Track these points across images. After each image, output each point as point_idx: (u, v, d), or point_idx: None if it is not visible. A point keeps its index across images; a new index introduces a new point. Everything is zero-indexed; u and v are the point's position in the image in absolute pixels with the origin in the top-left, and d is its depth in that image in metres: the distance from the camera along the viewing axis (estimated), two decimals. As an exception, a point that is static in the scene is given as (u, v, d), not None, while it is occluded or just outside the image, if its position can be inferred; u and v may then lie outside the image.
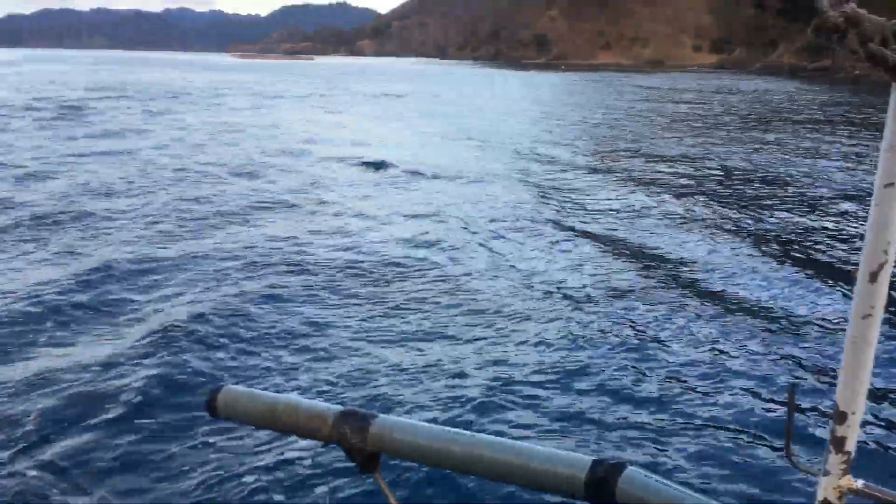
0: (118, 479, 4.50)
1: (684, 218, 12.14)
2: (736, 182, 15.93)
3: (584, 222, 11.83)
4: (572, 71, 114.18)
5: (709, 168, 17.80)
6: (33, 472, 4.50)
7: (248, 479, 4.44)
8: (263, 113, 31.11)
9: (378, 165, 16.57)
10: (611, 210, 12.71)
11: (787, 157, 19.41)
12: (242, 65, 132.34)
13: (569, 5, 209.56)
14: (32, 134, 21.30)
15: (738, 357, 6.50)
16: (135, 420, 5.13)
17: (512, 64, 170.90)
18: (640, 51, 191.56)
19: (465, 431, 1.14)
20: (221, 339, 6.54)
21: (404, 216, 12.04)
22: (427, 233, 10.68)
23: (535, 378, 5.90)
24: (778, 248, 10.40)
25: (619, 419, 5.34)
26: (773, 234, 11.23)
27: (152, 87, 47.61)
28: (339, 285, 8.20)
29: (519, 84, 67.81)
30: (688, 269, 9.27)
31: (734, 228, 11.47)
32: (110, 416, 5.19)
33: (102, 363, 6.04)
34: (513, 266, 9.16)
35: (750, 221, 12.01)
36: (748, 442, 5.06)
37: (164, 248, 9.53)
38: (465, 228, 11.08)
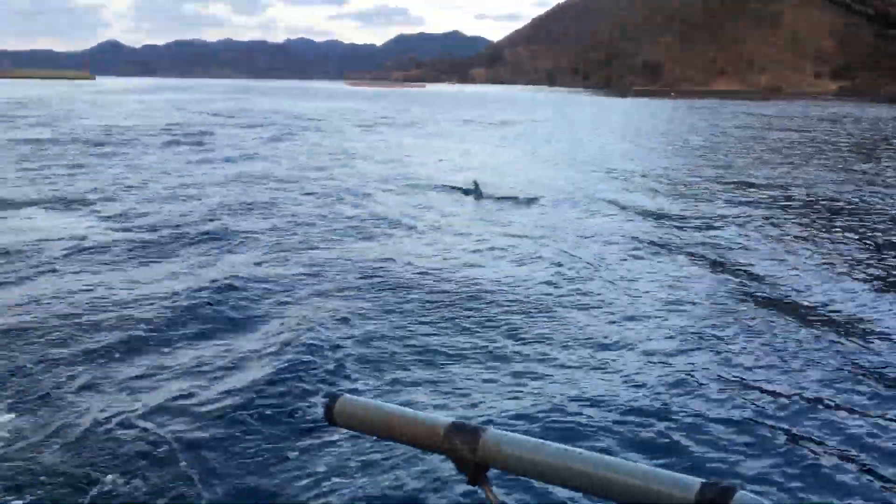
0: (240, 478, 4.86)
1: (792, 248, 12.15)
2: (829, 212, 15.88)
3: (689, 247, 11.99)
4: (682, 98, 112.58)
5: (805, 196, 17.76)
6: (157, 469, 4.90)
7: (360, 484, 4.70)
8: (370, 138, 32.64)
9: (476, 190, 16.87)
10: (710, 235, 12.94)
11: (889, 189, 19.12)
12: (354, 92, 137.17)
13: (681, 32, 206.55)
14: (166, 157, 23.41)
15: (840, 382, 6.54)
16: (258, 423, 5.50)
17: (622, 91, 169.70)
18: (756, 77, 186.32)
19: (574, 448, 1.15)
20: (338, 351, 6.90)
21: (508, 238, 12.40)
22: (534, 257, 11.06)
23: (637, 401, 5.99)
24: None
25: (725, 441, 5.41)
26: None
27: (267, 115, 50.54)
28: (448, 305, 8.51)
29: (622, 111, 67.67)
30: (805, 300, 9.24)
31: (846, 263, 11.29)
32: (236, 416, 5.60)
33: (228, 367, 6.55)
34: (616, 289, 9.43)
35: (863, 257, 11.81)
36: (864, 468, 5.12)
37: (285, 263, 10.24)
38: (568, 253, 11.40)
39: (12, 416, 5.60)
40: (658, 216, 14.90)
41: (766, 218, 14.70)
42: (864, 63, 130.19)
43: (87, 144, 26.86)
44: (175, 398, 5.88)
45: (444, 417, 1.28)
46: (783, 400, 6.11)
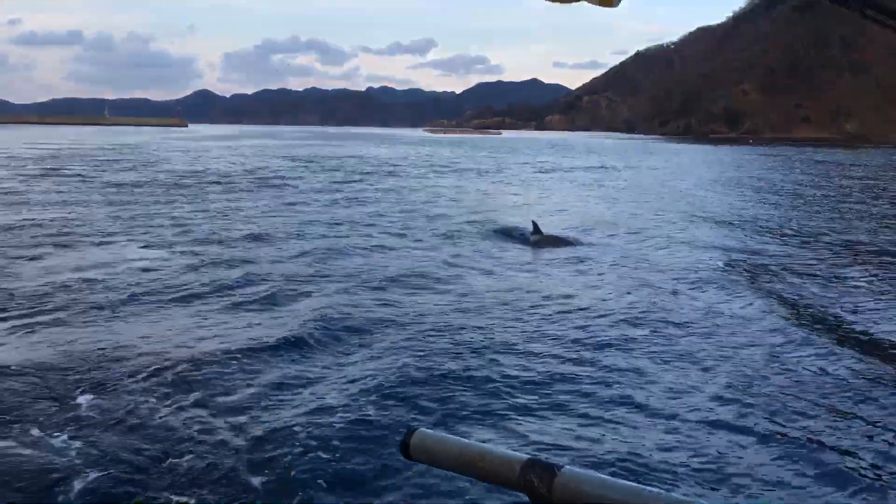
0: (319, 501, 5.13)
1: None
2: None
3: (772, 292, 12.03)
4: (761, 145, 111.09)
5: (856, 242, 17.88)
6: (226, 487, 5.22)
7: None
8: (432, 182, 33.90)
9: (536, 231, 17.18)
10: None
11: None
12: (432, 139, 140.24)
13: (763, 78, 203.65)
14: (247, 198, 25.10)
15: None
16: (336, 455, 5.63)
17: (700, 138, 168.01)
18: (841, 124, 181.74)
19: (652, 488, 1.15)
20: (416, 387, 7.09)
21: (567, 278, 12.68)
22: (601, 295, 11.25)
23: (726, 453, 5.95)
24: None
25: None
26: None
27: (343, 160, 52.70)
28: (524, 345, 8.67)
29: (696, 158, 67.38)
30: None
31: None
32: (319, 445, 5.81)
33: (309, 400, 6.78)
34: (687, 330, 9.55)
35: None
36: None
37: (360, 304, 10.51)
38: (634, 291, 11.64)
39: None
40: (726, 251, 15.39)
41: (819, 260, 15.01)
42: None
43: (171, 187, 28.97)
44: (257, 423, 6.20)
45: (521, 454, 1.28)
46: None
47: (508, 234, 17.87)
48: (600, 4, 1.42)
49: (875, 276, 13.55)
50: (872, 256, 15.82)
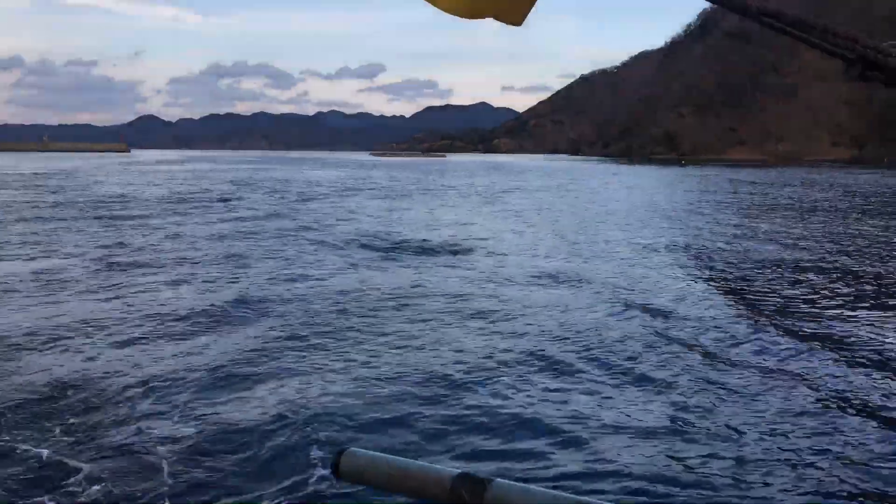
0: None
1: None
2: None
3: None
4: (694, 166, 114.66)
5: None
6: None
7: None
8: (354, 204, 34.46)
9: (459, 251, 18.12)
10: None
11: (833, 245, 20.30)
12: (376, 162, 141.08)
13: (700, 103, 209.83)
14: (193, 218, 25.42)
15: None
16: (262, 479, 5.50)
17: (639, 160, 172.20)
18: (773, 146, 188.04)
19: (585, 497, 1.15)
20: (344, 405, 6.96)
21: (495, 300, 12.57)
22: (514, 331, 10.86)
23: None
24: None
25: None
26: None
27: (277, 182, 53.08)
28: (453, 360, 8.68)
29: (629, 177, 69.32)
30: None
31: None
32: (240, 469, 5.67)
33: (234, 421, 6.63)
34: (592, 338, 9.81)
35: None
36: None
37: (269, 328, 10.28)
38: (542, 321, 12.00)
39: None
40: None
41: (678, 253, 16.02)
42: (877, 133, 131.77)
43: (91, 208, 29.11)
44: (184, 444, 6.09)
45: (451, 469, 1.28)
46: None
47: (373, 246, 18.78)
48: (507, 22, 1.42)
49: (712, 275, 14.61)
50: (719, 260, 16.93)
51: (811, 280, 14.88)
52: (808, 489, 5.54)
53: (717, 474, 5.65)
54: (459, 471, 1.27)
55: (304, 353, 8.84)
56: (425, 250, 18.29)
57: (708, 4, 1.15)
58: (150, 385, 7.63)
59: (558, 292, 13.12)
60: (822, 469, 5.88)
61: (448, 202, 37.02)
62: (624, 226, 25.45)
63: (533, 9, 1.44)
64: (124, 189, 42.74)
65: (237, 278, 14.18)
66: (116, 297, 12.14)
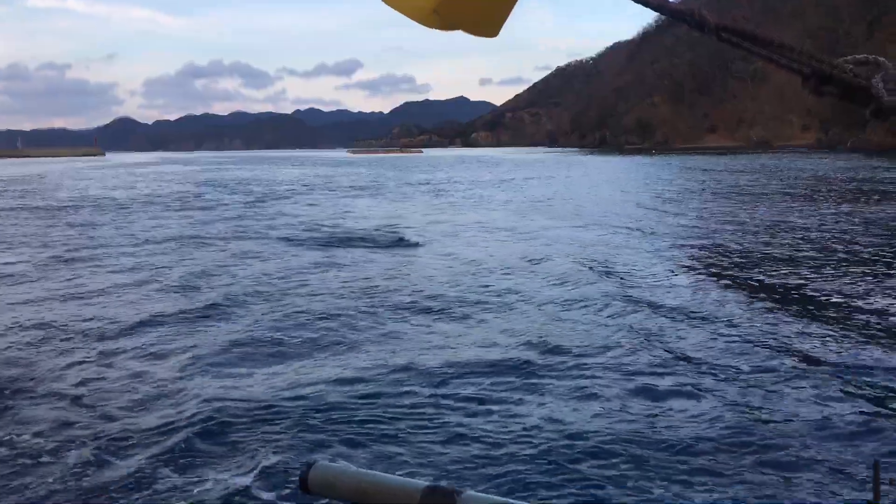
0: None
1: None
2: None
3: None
4: (663, 154, 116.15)
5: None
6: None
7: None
8: (328, 203, 35.02)
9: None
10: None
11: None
12: (350, 160, 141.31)
13: (672, 91, 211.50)
14: (157, 217, 25.96)
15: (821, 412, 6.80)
16: (231, 494, 5.34)
17: (614, 150, 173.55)
18: (746, 132, 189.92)
19: None
20: (315, 417, 6.76)
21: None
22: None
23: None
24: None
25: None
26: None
27: (241, 182, 53.55)
28: (409, 355, 8.74)
29: (596, 168, 70.23)
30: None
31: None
32: (212, 486, 5.48)
33: (200, 433, 6.43)
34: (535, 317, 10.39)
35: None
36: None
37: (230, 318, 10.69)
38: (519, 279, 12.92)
39: None
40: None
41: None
42: (838, 117, 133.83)
43: (55, 210, 29.60)
44: (141, 459, 5.97)
45: (421, 481, 1.30)
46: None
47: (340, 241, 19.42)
48: (482, 35, 1.44)
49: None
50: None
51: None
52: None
53: (689, 478, 5.53)
54: (428, 483, 1.27)
55: (254, 358, 8.70)
56: (363, 241, 19.02)
57: None
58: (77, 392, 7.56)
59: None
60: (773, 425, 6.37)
61: (402, 196, 37.71)
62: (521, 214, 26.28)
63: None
64: (82, 193, 43.11)
65: (174, 273, 14.81)
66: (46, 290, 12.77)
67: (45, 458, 5.96)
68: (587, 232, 20.73)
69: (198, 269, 15.32)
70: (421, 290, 12.60)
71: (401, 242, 18.92)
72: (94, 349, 9.27)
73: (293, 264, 15.74)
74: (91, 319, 10.84)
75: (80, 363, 8.71)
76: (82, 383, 7.93)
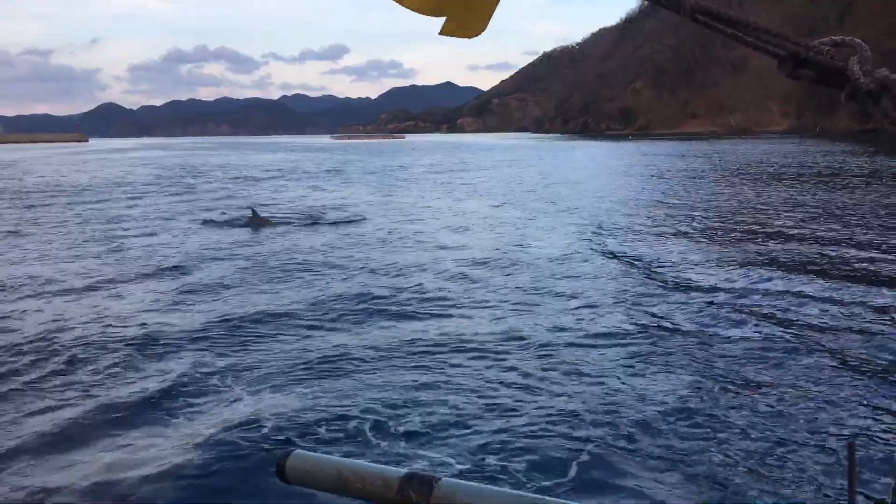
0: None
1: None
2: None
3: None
4: (639, 139, 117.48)
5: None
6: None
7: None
8: (295, 187, 35.87)
9: (254, 217, 19.96)
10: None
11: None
12: (332, 145, 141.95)
13: (654, 78, 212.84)
14: (123, 202, 26.83)
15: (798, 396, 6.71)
16: (206, 481, 5.25)
17: (595, 135, 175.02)
18: (726, 119, 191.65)
19: (531, 494, 1.17)
20: (292, 404, 6.60)
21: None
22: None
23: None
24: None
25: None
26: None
27: (210, 168, 54.34)
28: (382, 338, 8.69)
29: (577, 154, 71.23)
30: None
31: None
32: (183, 473, 5.37)
33: (177, 424, 6.33)
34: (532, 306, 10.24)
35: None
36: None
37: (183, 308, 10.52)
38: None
39: None
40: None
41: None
42: (811, 102, 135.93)
43: (18, 193, 30.48)
44: (118, 454, 5.80)
45: (399, 469, 1.30)
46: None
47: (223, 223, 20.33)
48: (463, 36, 1.43)
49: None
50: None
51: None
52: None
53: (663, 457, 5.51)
54: (406, 470, 1.28)
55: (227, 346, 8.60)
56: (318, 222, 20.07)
57: None
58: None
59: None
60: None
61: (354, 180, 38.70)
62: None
63: None
64: (51, 178, 43.90)
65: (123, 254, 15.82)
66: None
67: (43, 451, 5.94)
68: (503, 211, 21.81)
69: (110, 243, 16.32)
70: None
71: (317, 221, 20.13)
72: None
73: (208, 240, 16.72)
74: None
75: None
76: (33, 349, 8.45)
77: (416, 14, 1.34)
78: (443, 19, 1.37)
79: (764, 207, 21.35)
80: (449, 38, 1.39)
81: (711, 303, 10.14)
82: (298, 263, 13.76)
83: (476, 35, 1.45)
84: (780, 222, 18.09)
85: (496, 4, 1.42)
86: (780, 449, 5.59)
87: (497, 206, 23.88)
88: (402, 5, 1.33)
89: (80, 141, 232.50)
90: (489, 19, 1.44)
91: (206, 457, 5.58)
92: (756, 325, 8.94)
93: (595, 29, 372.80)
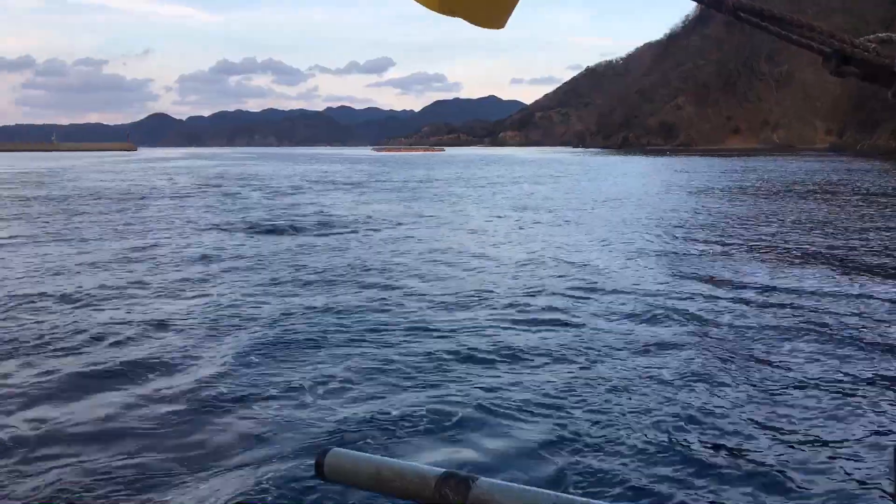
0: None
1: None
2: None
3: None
4: (679, 156, 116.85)
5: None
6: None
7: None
8: (321, 198, 36.85)
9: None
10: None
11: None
12: (373, 157, 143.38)
13: (697, 93, 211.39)
14: (164, 208, 28.19)
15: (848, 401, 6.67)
16: (246, 478, 5.31)
17: (636, 150, 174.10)
18: (769, 135, 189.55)
19: (568, 494, 1.16)
20: (331, 403, 6.73)
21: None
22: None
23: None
24: None
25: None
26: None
27: (245, 178, 55.86)
28: (428, 347, 8.61)
29: (607, 168, 71.28)
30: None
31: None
32: (223, 469, 5.44)
33: (219, 418, 6.41)
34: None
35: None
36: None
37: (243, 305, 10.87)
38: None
39: None
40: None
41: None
42: (854, 119, 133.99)
43: (55, 201, 32.04)
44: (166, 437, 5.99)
45: (437, 468, 1.29)
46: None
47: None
48: (485, 26, 1.38)
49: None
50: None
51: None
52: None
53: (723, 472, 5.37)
54: (444, 470, 1.28)
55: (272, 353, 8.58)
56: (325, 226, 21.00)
57: None
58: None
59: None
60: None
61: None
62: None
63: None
64: (93, 184, 45.73)
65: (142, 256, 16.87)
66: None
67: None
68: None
69: (132, 243, 17.35)
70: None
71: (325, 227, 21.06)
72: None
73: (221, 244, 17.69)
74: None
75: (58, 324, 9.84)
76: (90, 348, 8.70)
77: (462, 27, 1.30)
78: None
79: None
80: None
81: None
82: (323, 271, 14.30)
83: (495, 26, 1.41)
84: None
85: (513, 6, 1.38)
86: (827, 453, 5.61)
87: (493, 217, 24.50)
88: (418, 2, 1.30)
89: (128, 150, 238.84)
90: (506, 17, 1.40)
91: (245, 454, 5.68)
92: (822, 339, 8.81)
93: (640, 43, 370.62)
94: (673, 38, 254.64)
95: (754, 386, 7.10)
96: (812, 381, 7.22)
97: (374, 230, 21.05)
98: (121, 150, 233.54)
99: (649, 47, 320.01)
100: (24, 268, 14.70)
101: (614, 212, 26.14)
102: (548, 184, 46.38)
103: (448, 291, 11.77)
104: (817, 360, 7.93)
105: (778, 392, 6.94)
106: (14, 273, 14.07)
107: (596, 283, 12.36)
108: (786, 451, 5.66)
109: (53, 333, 9.40)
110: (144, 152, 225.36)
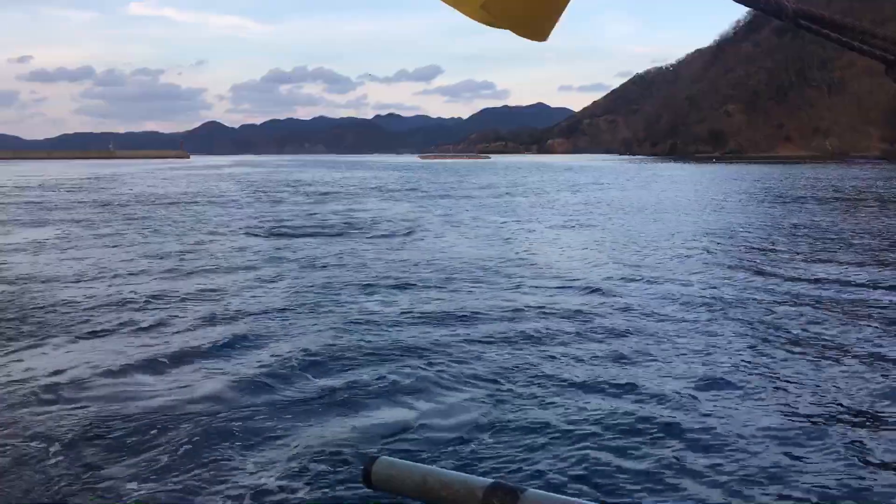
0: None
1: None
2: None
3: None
4: (729, 164, 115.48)
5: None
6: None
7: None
8: (357, 205, 37.92)
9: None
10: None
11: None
12: (417, 164, 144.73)
13: (746, 99, 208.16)
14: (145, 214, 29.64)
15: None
16: (293, 485, 5.46)
17: (684, 158, 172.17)
18: (821, 142, 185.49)
19: None
20: (377, 412, 6.88)
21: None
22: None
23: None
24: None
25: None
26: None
27: (288, 183, 57.34)
28: (470, 354, 8.77)
29: (649, 177, 70.83)
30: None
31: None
32: (271, 479, 5.56)
33: (269, 427, 6.57)
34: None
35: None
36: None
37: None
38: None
39: None
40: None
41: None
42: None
43: (99, 205, 33.70)
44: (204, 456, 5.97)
45: (484, 479, 1.28)
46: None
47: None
48: (528, 38, 1.36)
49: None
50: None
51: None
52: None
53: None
54: (492, 480, 1.27)
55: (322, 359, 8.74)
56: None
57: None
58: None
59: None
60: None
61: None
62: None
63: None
64: (141, 190, 47.61)
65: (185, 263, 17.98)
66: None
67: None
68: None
69: (180, 246, 18.46)
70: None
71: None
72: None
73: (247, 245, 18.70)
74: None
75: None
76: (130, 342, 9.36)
77: (510, 35, 1.31)
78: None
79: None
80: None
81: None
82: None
83: (538, 38, 1.39)
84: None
85: (557, 17, 1.37)
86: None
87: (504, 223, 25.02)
88: (462, 12, 1.30)
89: (181, 157, 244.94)
90: (551, 29, 1.39)
91: (294, 462, 5.83)
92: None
93: (690, 50, 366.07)
94: (723, 45, 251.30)
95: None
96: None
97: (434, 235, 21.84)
98: (174, 157, 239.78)
99: (699, 54, 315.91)
100: (85, 266, 15.92)
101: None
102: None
103: (521, 304, 11.64)
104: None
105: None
106: (71, 269, 15.31)
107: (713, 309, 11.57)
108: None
109: (130, 316, 10.69)
110: (197, 159, 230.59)
